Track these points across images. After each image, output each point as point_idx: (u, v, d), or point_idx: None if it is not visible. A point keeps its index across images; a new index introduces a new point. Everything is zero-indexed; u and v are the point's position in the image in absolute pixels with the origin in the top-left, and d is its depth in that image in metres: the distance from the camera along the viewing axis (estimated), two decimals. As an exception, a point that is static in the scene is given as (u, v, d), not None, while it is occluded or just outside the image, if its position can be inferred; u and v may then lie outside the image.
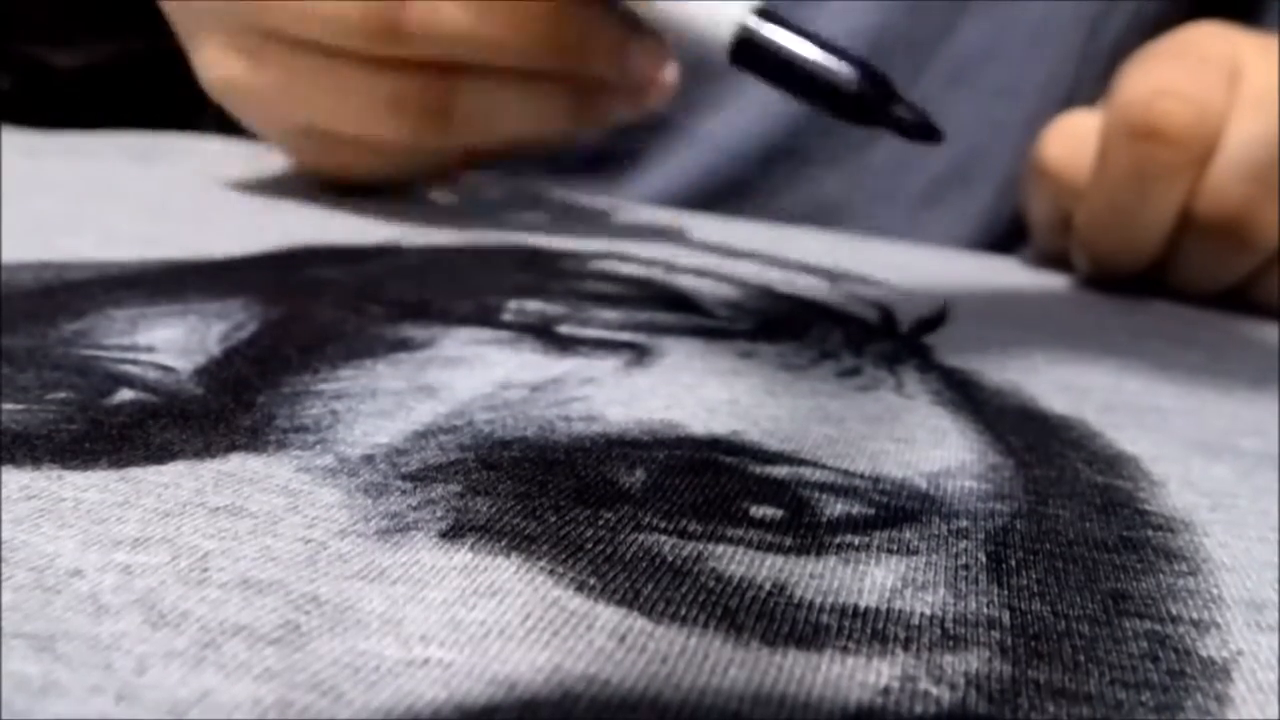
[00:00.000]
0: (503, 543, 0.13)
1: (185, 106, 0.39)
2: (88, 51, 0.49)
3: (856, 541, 0.14)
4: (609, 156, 0.46)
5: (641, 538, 0.13)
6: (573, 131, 0.36)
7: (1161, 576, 0.14)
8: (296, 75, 0.32)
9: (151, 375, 0.17)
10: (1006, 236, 0.49)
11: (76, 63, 0.49)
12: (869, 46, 0.47)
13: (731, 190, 0.45)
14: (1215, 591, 0.13)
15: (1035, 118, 0.47)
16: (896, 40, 0.47)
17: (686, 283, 0.28)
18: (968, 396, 0.20)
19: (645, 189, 0.46)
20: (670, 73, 0.34)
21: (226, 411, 0.16)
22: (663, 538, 0.13)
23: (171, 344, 0.19)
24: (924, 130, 0.28)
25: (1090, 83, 0.48)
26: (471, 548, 0.12)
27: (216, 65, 0.34)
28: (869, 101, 0.28)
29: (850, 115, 0.28)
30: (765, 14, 0.29)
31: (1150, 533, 0.15)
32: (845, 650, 0.11)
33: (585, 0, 0.31)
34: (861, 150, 0.47)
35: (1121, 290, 0.36)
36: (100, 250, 0.25)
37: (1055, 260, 0.40)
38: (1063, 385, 0.22)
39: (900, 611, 0.12)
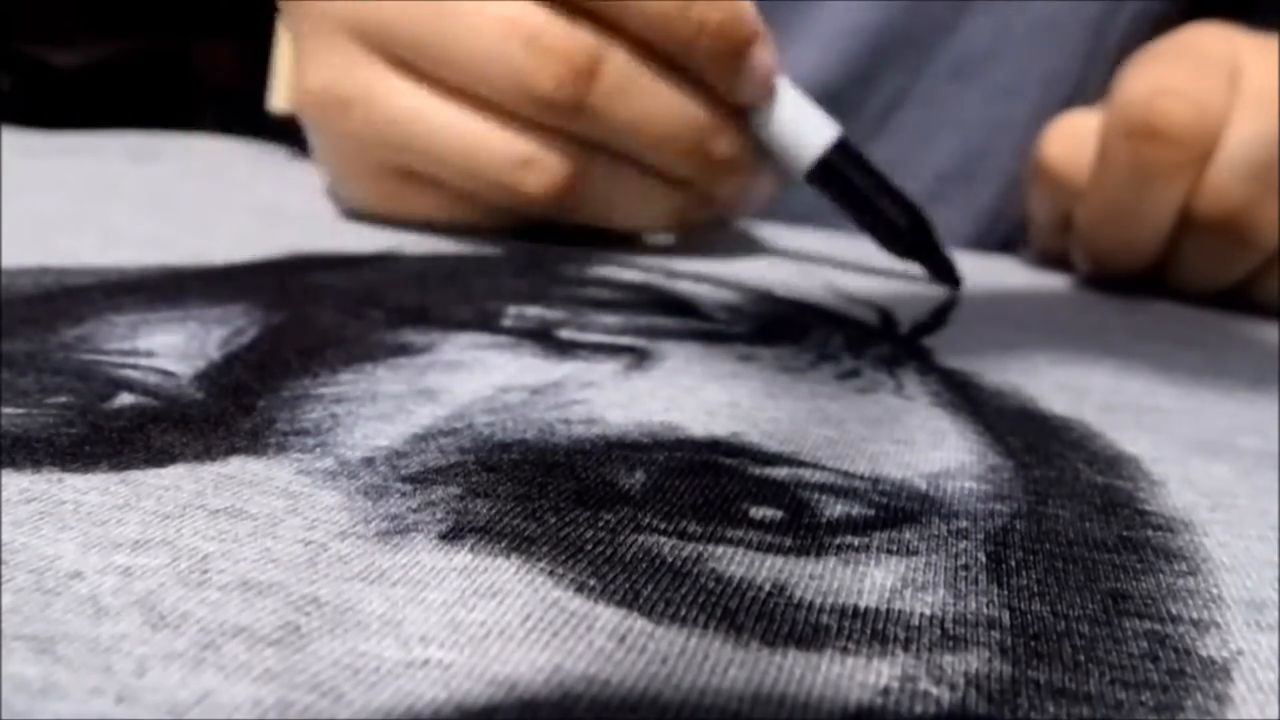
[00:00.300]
0: (503, 544, 0.13)
1: (185, 106, 0.39)
2: (88, 51, 0.49)
3: (856, 542, 0.14)
4: None
5: (641, 539, 0.13)
6: (679, 226, 0.35)
7: (1161, 576, 0.14)
8: (425, 113, 0.30)
9: (152, 380, 0.17)
10: (1010, 234, 0.49)
11: (76, 63, 0.49)
12: (871, 43, 0.47)
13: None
14: (1215, 591, 0.13)
15: (1039, 116, 0.47)
16: (899, 37, 0.47)
17: (685, 287, 0.28)
18: (967, 398, 0.21)
19: None
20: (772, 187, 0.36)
21: (227, 415, 0.16)
22: (662, 539, 0.13)
23: (172, 349, 0.19)
24: (949, 276, 0.33)
25: (1096, 81, 0.48)
26: (471, 549, 0.12)
27: (324, 68, 0.31)
28: (913, 239, 0.33)
29: (895, 248, 0.34)
30: (843, 146, 0.33)
31: (1150, 533, 0.15)
32: (845, 650, 0.11)
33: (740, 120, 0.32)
34: (863, 146, 0.47)
35: (1121, 290, 0.36)
36: (100, 251, 0.25)
37: (1055, 260, 0.40)
38: (1063, 386, 0.22)
39: (900, 612, 0.12)
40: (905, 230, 0.33)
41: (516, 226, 0.33)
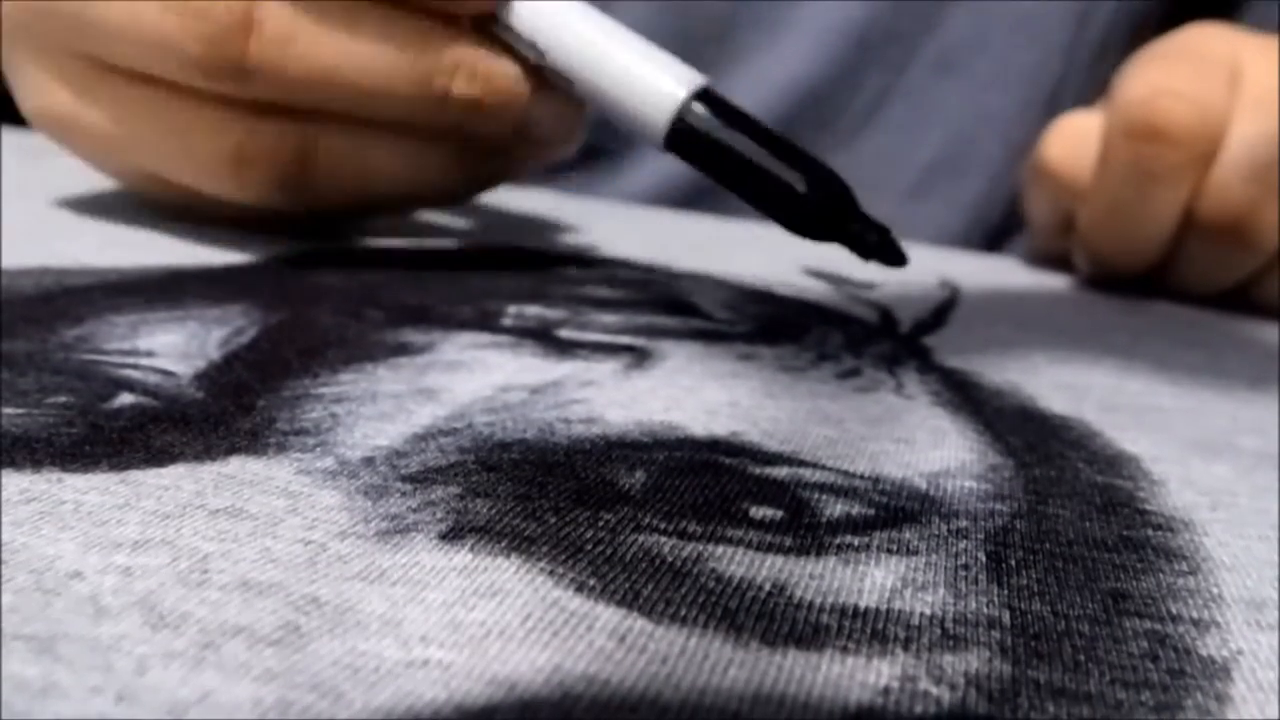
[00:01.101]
0: (502, 544, 0.13)
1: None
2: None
3: (856, 542, 0.14)
4: (600, 152, 0.46)
5: (641, 538, 0.13)
6: (465, 186, 0.30)
7: (1161, 576, 0.14)
8: (129, 113, 0.27)
9: (152, 380, 0.17)
10: (997, 228, 0.49)
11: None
12: (855, 40, 0.47)
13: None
14: (1215, 590, 0.13)
15: (1024, 108, 0.48)
16: (882, 33, 0.47)
17: (685, 286, 0.28)
18: (967, 397, 0.21)
19: (634, 185, 0.46)
20: (581, 125, 0.29)
21: (226, 415, 0.16)
22: (663, 539, 0.13)
23: (172, 349, 0.19)
24: (887, 252, 0.24)
25: (1078, 73, 0.48)
26: (471, 549, 0.12)
27: (36, 93, 0.28)
28: (822, 212, 0.24)
29: (799, 226, 0.24)
30: (707, 96, 0.25)
31: (1150, 532, 0.15)
32: (845, 650, 0.11)
33: (478, 43, 0.26)
34: (850, 143, 0.47)
35: (1121, 290, 0.36)
36: (100, 251, 0.25)
37: (1054, 260, 0.40)
38: (1063, 385, 0.22)
39: (900, 611, 0.12)
40: (811, 201, 0.24)
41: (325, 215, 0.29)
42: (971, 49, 0.47)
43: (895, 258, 0.24)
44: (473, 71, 0.26)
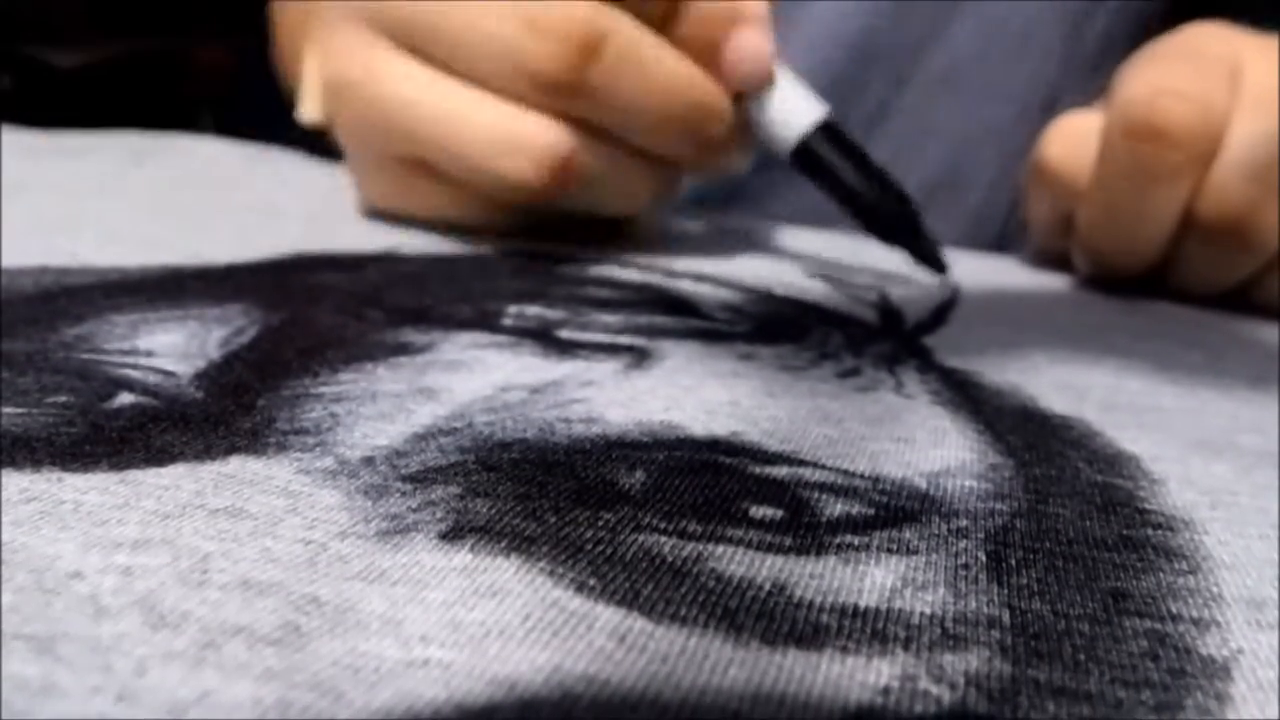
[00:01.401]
0: (502, 544, 0.13)
1: (185, 106, 0.39)
2: (87, 51, 0.49)
3: (856, 541, 0.14)
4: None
5: (641, 538, 0.13)
6: (663, 201, 0.34)
7: (1161, 575, 0.14)
8: (424, 97, 0.30)
9: (151, 379, 0.17)
10: (995, 239, 0.49)
11: (76, 63, 0.49)
12: (855, 49, 0.47)
13: (724, 194, 0.45)
14: (1215, 590, 0.13)
15: (1021, 119, 0.48)
16: (882, 43, 0.47)
17: (685, 286, 0.28)
18: (967, 396, 0.21)
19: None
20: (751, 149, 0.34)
21: (226, 414, 0.16)
22: (662, 538, 0.13)
23: (172, 349, 0.19)
24: (934, 262, 0.32)
25: (1074, 83, 0.48)
26: (471, 549, 0.12)
27: (336, 56, 0.31)
28: (897, 225, 0.32)
29: (879, 232, 0.33)
30: (829, 128, 0.32)
31: (1150, 531, 0.15)
32: (845, 650, 0.11)
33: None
34: (852, 133, 0.47)
35: (1121, 290, 0.36)
36: (100, 250, 0.25)
37: (1054, 260, 0.40)
38: (1063, 385, 0.22)
39: (900, 611, 0.12)
40: (889, 215, 0.32)
41: (521, 226, 0.32)
42: (971, 62, 0.48)
43: (939, 268, 0.32)
44: (726, 113, 0.31)
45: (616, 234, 0.34)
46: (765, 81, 0.31)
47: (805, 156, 0.32)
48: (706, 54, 0.30)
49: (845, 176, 0.32)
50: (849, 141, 0.32)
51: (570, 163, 0.29)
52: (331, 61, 0.31)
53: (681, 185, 0.34)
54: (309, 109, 0.35)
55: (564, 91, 0.28)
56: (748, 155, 0.34)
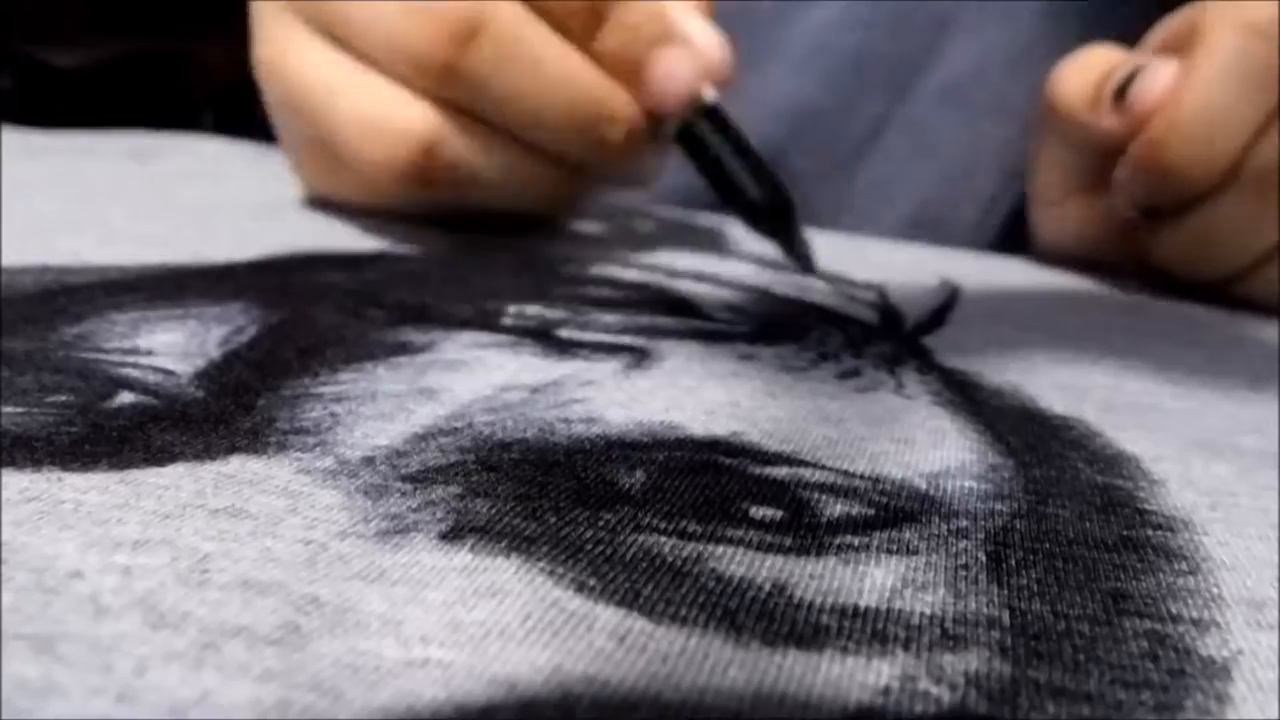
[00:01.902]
0: (502, 544, 0.13)
1: (185, 106, 0.39)
2: (88, 51, 0.49)
3: (856, 542, 0.14)
4: None
5: (641, 538, 0.13)
6: (568, 205, 0.34)
7: (1161, 576, 0.14)
8: (323, 79, 0.30)
9: (152, 378, 0.17)
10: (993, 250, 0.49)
11: (76, 63, 0.49)
12: (852, 62, 0.47)
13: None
14: (1215, 590, 0.13)
15: (1017, 138, 0.48)
16: (880, 56, 0.47)
17: (686, 286, 0.28)
18: (967, 397, 0.21)
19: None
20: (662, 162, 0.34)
21: (226, 414, 0.16)
22: (662, 538, 0.13)
23: (172, 348, 0.19)
24: (803, 259, 0.32)
25: None
26: (471, 549, 0.12)
27: (262, 40, 0.31)
28: (773, 218, 0.33)
29: (752, 221, 0.33)
30: (714, 112, 0.31)
31: (1150, 532, 0.15)
32: (845, 650, 0.11)
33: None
34: (849, 172, 0.47)
35: (1121, 290, 0.36)
36: (100, 249, 0.25)
37: (1056, 254, 0.40)
38: (1063, 385, 0.22)
39: (900, 611, 0.12)
40: (765, 208, 0.33)
41: (433, 212, 0.32)
42: (970, 78, 0.47)
43: (808, 268, 0.32)
44: (629, 121, 0.30)
45: (535, 228, 0.33)
46: (684, 106, 0.30)
47: (689, 137, 0.32)
48: (629, 66, 0.29)
49: (724, 161, 0.32)
50: (732, 127, 0.32)
51: (435, 149, 0.29)
52: (257, 45, 0.31)
53: (591, 187, 0.34)
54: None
55: (438, 74, 0.28)
56: (655, 169, 0.33)
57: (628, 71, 0.29)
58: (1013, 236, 0.46)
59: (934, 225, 0.48)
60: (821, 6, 0.46)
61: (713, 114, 0.31)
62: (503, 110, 0.29)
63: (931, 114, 0.48)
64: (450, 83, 0.28)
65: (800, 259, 0.32)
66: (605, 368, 0.20)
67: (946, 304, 0.30)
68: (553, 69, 0.28)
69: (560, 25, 0.29)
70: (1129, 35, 0.48)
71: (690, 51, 0.30)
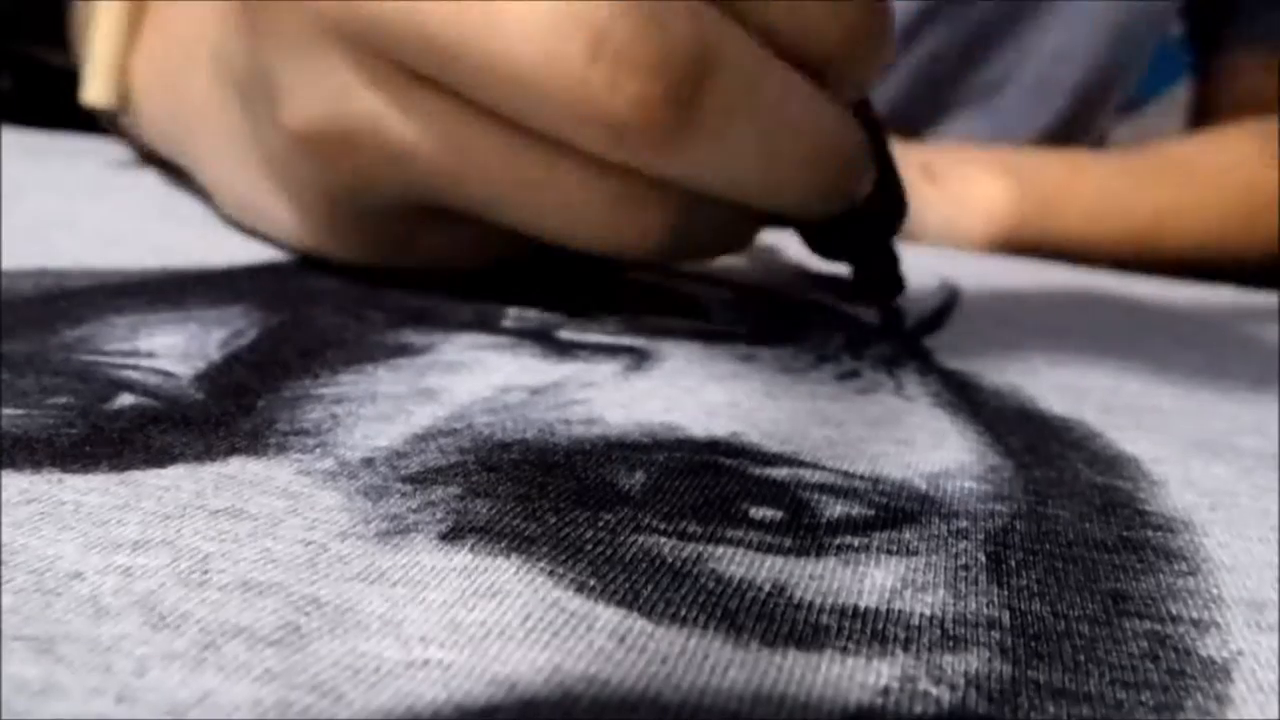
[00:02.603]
0: (502, 544, 0.13)
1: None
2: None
3: (856, 543, 0.14)
4: None
5: (641, 539, 0.13)
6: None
7: (1161, 576, 0.14)
8: (434, 127, 0.20)
9: (152, 380, 0.17)
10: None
11: (76, 63, 0.49)
12: (916, 76, 0.48)
13: None
14: (1215, 591, 0.13)
15: (1035, 145, 0.49)
16: (937, 68, 0.48)
17: (685, 287, 0.28)
18: (967, 398, 0.21)
19: None
20: None
21: (227, 416, 0.16)
22: (662, 539, 0.13)
23: (172, 350, 0.19)
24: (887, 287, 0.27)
25: (1085, 117, 0.49)
26: (471, 549, 0.12)
27: (311, 91, 0.21)
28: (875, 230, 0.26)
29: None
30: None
31: (1150, 533, 0.15)
32: (845, 651, 0.11)
33: None
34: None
35: (1121, 291, 0.36)
36: (100, 252, 0.25)
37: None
38: (1062, 386, 0.22)
39: (900, 612, 0.12)
40: (875, 220, 0.26)
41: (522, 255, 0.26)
42: (1002, 86, 0.49)
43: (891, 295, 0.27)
44: (863, 162, 0.23)
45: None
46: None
47: None
48: (852, 83, 0.22)
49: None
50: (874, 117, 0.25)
51: (671, 227, 0.21)
52: (309, 97, 0.21)
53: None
54: (97, 90, 0.32)
55: (649, 147, 0.19)
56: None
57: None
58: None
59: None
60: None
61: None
62: (731, 178, 0.21)
63: (964, 118, 0.49)
64: (666, 154, 0.19)
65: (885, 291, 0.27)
66: (605, 369, 0.20)
67: (946, 305, 0.30)
68: (794, 117, 0.20)
69: (795, 55, 0.20)
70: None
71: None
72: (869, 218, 0.25)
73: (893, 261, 0.26)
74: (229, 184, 0.27)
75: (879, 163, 0.24)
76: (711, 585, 0.12)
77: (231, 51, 0.24)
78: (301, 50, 0.21)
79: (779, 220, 0.25)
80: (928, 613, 0.12)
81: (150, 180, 0.36)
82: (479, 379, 0.19)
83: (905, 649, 0.11)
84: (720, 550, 0.13)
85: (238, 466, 0.14)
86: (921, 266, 0.35)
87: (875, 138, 0.24)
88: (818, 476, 0.16)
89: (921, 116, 0.49)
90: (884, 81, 0.46)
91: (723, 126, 0.19)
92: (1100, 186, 0.47)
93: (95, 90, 0.33)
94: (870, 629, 0.12)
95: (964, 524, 0.15)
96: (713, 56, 0.19)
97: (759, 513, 0.14)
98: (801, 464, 0.16)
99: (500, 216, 0.22)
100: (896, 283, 0.26)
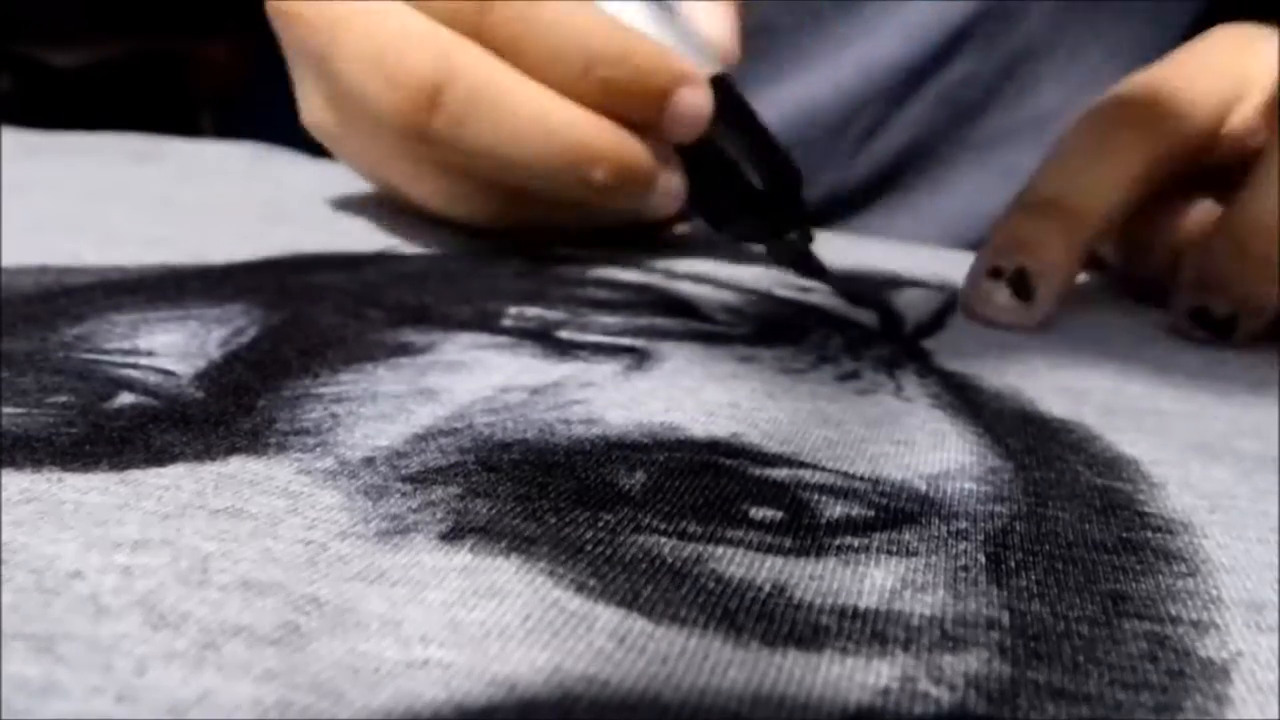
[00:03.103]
0: (502, 544, 0.13)
1: (185, 106, 0.39)
2: (88, 51, 0.49)
3: (856, 543, 0.14)
4: None
5: (641, 539, 0.13)
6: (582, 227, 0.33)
7: (1161, 578, 0.14)
8: (372, 141, 0.30)
9: (152, 379, 0.17)
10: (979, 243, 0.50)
11: (76, 63, 0.49)
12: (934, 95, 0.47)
13: None
14: (1214, 593, 0.13)
15: (1009, 135, 0.49)
16: (972, 85, 0.47)
17: (685, 287, 0.28)
18: (967, 400, 0.21)
19: None
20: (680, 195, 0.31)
21: (227, 415, 0.16)
22: (662, 539, 0.13)
23: (172, 349, 0.19)
24: (806, 261, 0.30)
25: (1076, 105, 0.49)
26: (471, 549, 0.12)
27: (311, 108, 0.32)
28: (774, 206, 0.29)
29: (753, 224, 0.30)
30: (719, 81, 0.29)
31: (1150, 534, 0.15)
32: (845, 651, 0.11)
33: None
34: (926, 194, 0.48)
35: (1121, 293, 0.36)
36: (100, 250, 0.25)
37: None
38: (1062, 388, 0.22)
39: (900, 613, 0.12)
40: (769, 195, 0.29)
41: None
42: (1051, 117, 0.48)
43: (813, 269, 0.30)
44: (615, 160, 0.28)
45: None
46: (694, 132, 0.29)
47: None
48: (632, 99, 0.28)
49: (727, 146, 0.29)
50: (737, 96, 0.29)
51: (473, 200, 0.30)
52: (307, 110, 0.32)
53: (608, 220, 0.32)
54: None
55: (411, 139, 0.28)
56: (674, 196, 0.30)
57: (632, 103, 0.28)
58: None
59: (917, 210, 0.49)
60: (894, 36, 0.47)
61: (719, 84, 0.28)
62: (478, 163, 0.29)
63: (1003, 146, 0.48)
64: (424, 146, 0.28)
65: (806, 262, 0.30)
66: (605, 369, 0.20)
67: (946, 307, 0.30)
68: (525, 116, 0.28)
69: (536, 69, 0.28)
70: (1126, 43, 0.49)
71: (703, 84, 0.28)
72: (759, 190, 0.29)
73: (803, 223, 0.30)
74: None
75: (754, 134, 0.29)
76: (711, 585, 0.12)
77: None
78: (296, 64, 0.31)
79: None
80: (928, 613, 0.12)
81: (150, 179, 0.36)
82: (479, 379, 0.19)
83: (905, 649, 0.11)
84: (720, 550, 0.13)
85: (238, 466, 0.14)
86: (921, 268, 0.35)
87: (742, 114, 0.29)
88: (818, 477, 0.16)
89: (955, 137, 0.49)
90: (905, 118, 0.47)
91: (459, 120, 0.27)
92: None
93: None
94: (870, 629, 0.12)
95: (964, 525, 0.15)
96: (446, 74, 0.27)
97: (759, 513, 0.14)
98: (801, 464, 0.16)
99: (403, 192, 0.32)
100: (805, 251, 0.30)
